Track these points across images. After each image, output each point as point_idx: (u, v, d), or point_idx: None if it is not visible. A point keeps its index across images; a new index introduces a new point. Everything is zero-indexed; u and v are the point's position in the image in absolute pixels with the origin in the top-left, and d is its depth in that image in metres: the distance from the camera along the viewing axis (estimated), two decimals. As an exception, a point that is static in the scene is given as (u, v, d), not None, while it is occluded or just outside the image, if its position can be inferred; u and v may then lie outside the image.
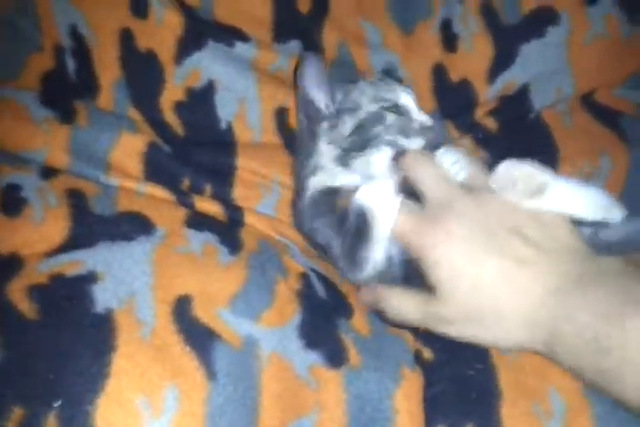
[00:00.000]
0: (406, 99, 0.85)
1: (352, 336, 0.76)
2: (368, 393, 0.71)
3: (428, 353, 0.79)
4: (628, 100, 1.08)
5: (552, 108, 1.07)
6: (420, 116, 0.84)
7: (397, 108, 0.83)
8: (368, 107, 0.84)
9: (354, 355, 0.73)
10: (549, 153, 0.99)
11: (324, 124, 0.87)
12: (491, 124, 1.07)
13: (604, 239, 0.75)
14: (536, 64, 1.09)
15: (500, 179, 0.74)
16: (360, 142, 0.83)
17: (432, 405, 0.73)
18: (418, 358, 0.79)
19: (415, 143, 0.82)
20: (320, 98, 0.87)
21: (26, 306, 0.65)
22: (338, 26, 1.11)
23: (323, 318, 0.77)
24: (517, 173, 0.73)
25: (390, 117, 0.83)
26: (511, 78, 1.09)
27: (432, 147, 0.82)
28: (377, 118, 0.83)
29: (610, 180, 0.97)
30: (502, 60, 1.09)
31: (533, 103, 1.08)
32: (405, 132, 0.83)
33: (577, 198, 0.74)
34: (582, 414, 0.69)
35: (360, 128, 0.84)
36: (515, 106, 1.08)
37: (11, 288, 0.67)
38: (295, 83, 0.86)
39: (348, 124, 0.85)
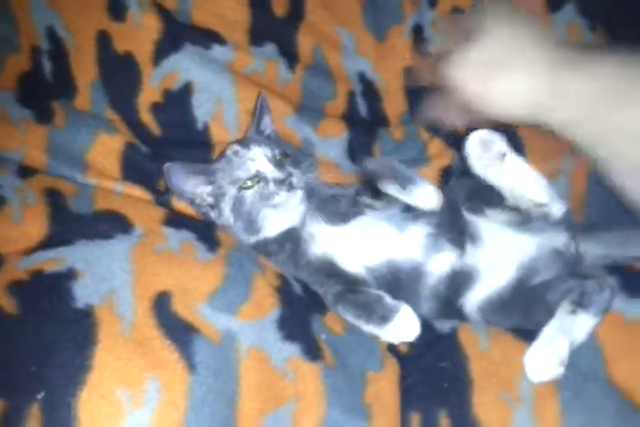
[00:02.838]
0: (258, 164, 0.87)
1: (325, 336, 0.78)
2: (343, 388, 0.73)
3: (403, 347, 0.82)
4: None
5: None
6: (275, 173, 0.86)
7: (254, 179, 0.86)
8: (230, 190, 0.87)
9: (328, 355, 0.75)
10: (520, 150, 1.02)
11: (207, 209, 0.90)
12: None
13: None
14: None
15: (474, 143, 0.79)
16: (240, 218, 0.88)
17: (407, 395, 0.76)
18: (393, 350, 0.81)
19: (281, 198, 0.86)
20: (193, 190, 0.88)
21: (6, 302, 0.66)
22: (313, 30, 1.14)
23: (299, 314, 0.79)
24: (488, 139, 0.79)
25: (248, 194, 0.86)
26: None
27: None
28: (240, 201, 0.87)
29: (573, 177, 1.00)
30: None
31: None
32: (266, 196, 0.86)
33: (529, 177, 0.80)
34: (550, 400, 0.72)
35: (234, 211, 0.87)
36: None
37: (-9, 285, 0.68)
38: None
39: (225, 211, 0.88)
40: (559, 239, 0.84)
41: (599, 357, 0.74)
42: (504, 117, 0.70)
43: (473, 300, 0.83)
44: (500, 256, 0.83)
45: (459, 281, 0.83)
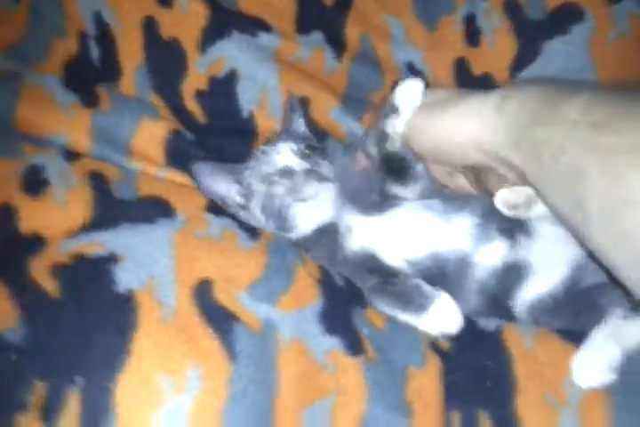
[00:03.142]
0: (284, 158, 0.86)
1: (367, 331, 0.75)
2: (386, 382, 0.71)
3: (445, 343, 0.79)
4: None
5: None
6: (302, 165, 0.84)
7: (282, 175, 0.84)
8: (259, 189, 0.85)
9: (370, 350, 0.73)
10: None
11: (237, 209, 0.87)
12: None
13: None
14: (559, 61, 1.08)
15: (500, 202, 0.75)
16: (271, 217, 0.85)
17: (448, 392, 0.73)
18: (435, 347, 0.78)
19: (310, 190, 0.83)
20: (223, 190, 0.86)
21: (49, 284, 0.65)
22: (361, 19, 1.12)
23: (341, 306, 0.77)
24: (511, 196, 0.75)
25: (277, 189, 0.84)
26: (534, 74, 1.09)
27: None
28: (270, 198, 0.84)
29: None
30: (525, 56, 1.09)
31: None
32: (295, 189, 0.83)
33: None
34: (599, 404, 0.68)
35: (264, 210, 0.85)
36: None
37: (34, 267, 0.67)
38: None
39: (256, 211, 0.86)
40: None
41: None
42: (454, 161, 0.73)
43: (524, 298, 0.79)
44: (554, 251, 0.78)
45: (510, 276, 0.79)
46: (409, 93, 0.75)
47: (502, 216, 0.78)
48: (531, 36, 1.09)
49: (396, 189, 0.83)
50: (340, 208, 0.85)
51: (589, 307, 0.75)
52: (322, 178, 0.83)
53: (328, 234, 0.84)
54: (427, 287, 0.76)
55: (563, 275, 0.78)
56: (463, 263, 0.79)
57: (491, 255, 0.79)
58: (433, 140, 0.73)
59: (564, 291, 0.77)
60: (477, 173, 0.77)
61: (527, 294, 0.79)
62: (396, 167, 0.80)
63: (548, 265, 0.78)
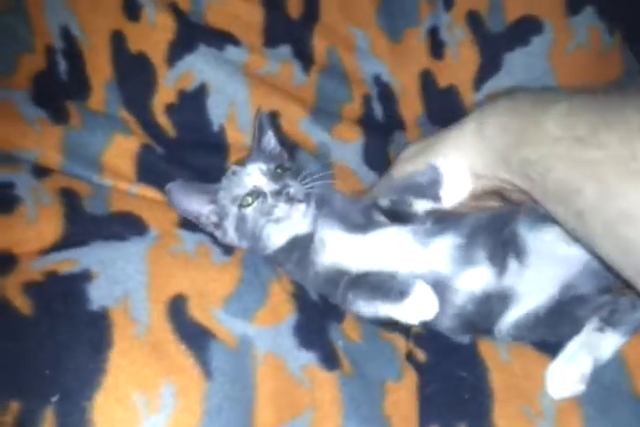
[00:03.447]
0: (254, 179, 0.86)
1: (343, 343, 0.76)
2: (362, 397, 0.72)
3: (420, 355, 0.81)
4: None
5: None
6: (271, 186, 0.85)
7: (253, 195, 0.85)
8: (232, 210, 0.86)
9: (346, 364, 0.74)
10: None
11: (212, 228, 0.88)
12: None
13: None
14: (520, 72, 1.12)
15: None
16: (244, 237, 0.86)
17: (426, 405, 0.75)
18: (411, 359, 0.80)
19: (281, 211, 0.83)
20: (197, 210, 0.87)
21: (21, 302, 0.65)
22: (328, 32, 1.13)
23: (316, 321, 0.78)
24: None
25: (249, 210, 0.85)
26: (497, 85, 1.12)
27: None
28: (242, 219, 0.85)
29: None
30: (488, 68, 1.13)
31: None
32: (266, 210, 0.84)
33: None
34: (572, 415, 0.71)
35: (238, 231, 0.86)
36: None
37: (5, 285, 0.67)
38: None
39: (229, 230, 0.86)
40: None
41: (623, 371, 0.73)
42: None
43: (504, 323, 0.80)
44: (544, 274, 0.79)
45: (492, 304, 0.79)
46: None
47: (494, 238, 0.79)
48: (493, 48, 1.12)
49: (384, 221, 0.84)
50: (315, 222, 0.86)
51: (568, 319, 0.77)
52: (291, 199, 0.83)
53: (300, 247, 0.85)
54: (402, 276, 0.76)
55: (549, 295, 0.79)
56: (441, 286, 0.78)
57: (472, 281, 0.79)
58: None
59: (547, 309, 0.79)
60: (499, 192, 0.75)
61: (508, 319, 0.80)
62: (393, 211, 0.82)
63: (535, 289, 0.79)
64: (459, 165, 0.69)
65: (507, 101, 0.65)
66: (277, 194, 0.84)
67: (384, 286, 0.76)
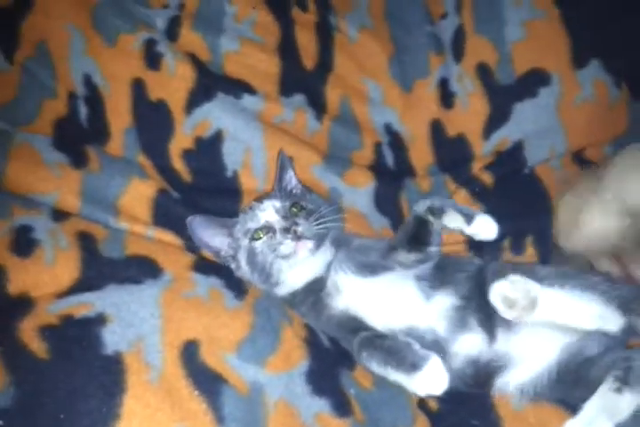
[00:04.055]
0: (267, 215, 0.88)
1: (355, 391, 0.76)
2: None
3: (432, 403, 0.80)
4: (617, 158, 1.13)
5: (545, 163, 1.12)
6: (281, 223, 0.86)
7: (264, 230, 0.87)
8: (244, 242, 0.88)
9: (358, 411, 0.74)
10: (543, 206, 1.03)
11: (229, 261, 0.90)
12: (487, 178, 1.11)
13: None
14: (529, 122, 1.14)
15: (497, 300, 0.76)
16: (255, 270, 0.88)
17: (438, 453, 0.74)
18: (423, 407, 0.79)
19: (287, 248, 0.85)
20: (215, 243, 0.90)
21: (36, 346, 0.65)
22: (341, 82, 1.17)
23: (328, 367, 0.78)
24: (510, 293, 0.76)
25: (258, 244, 0.87)
26: (505, 135, 1.15)
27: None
28: (252, 252, 0.87)
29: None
30: (497, 118, 1.15)
31: (527, 159, 1.13)
32: (273, 246, 0.85)
33: (569, 308, 0.76)
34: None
35: (249, 263, 0.88)
36: (509, 161, 1.13)
37: (22, 328, 0.68)
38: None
39: (242, 262, 0.88)
40: (615, 321, 0.77)
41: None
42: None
43: (505, 385, 0.79)
44: (540, 342, 0.79)
45: (488, 368, 0.79)
46: (488, 226, 0.84)
47: (482, 302, 0.79)
48: (501, 99, 1.15)
49: (402, 255, 0.85)
50: (332, 266, 0.86)
51: (582, 383, 0.75)
52: (299, 237, 0.85)
53: (315, 291, 0.86)
54: (418, 347, 0.76)
55: (551, 360, 0.78)
56: (439, 347, 0.78)
57: (467, 346, 0.79)
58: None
59: (553, 373, 0.78)
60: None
61: (509, 382, 0.79)
62: (416, 231, 0.85)
63: (534, 354, 0.79)
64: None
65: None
66: (286, 231, 0.85)
67: (399, 354, 0.75)
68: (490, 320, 0.79)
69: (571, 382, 0.76)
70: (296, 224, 0.85)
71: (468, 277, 0.83)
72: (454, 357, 0.79)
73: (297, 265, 0.86)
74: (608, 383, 0.71)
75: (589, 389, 0.72)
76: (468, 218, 0.83)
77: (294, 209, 0.89)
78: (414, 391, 0.74)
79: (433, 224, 0.84)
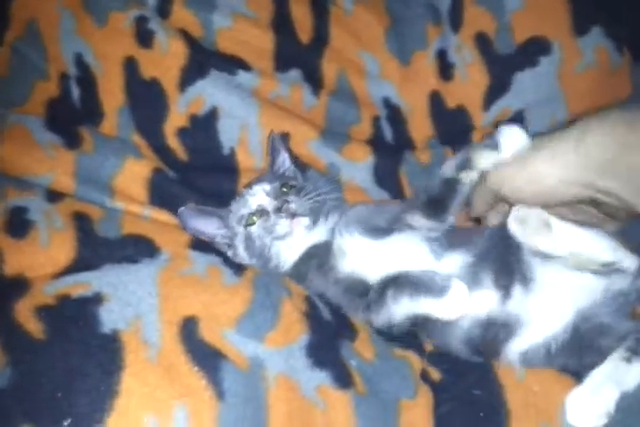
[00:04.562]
0: (258, 199, 0.88)
1: (356, 362, 0.76)
2: (376, 416, 0.71)
3: (435, 374, 0.80)
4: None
5: (547, 133, 1.09)
6: (272, 203, 0.86)
7: (257, 214, 0.87)
8: (239, 230, 0.88)
9: (359, 383, 0.73)
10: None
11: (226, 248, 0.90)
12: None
13: None
14: (530, 92, 1.12)
15: (512, 222, 0.77)
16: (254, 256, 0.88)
17: (441, 424, 0.73)
18: (426, 378, 0.79)
19: (283, 227, 0.85)
20: (209, 232, 0.89)
21: (33, 326, 0.65)
22: (337, 56, 1.15)
23: (328, 339, 0.77)
24: (524, 214, 0.77)
25: (254, 229, 0.87)
26: (506, 105, 1.13)
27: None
28: (249, 238, 0.87)
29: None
30: (497, 88, 1.13)
31: (528, 129, 1.10)
32: (269, 228, 0.85)
33: (585, 238, 0.76)
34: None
35: (247, 250, 0.88)
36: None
37: (18, 309, 0.67)
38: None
39: (240, 250, 0.89)
40: (627, 281, 0.77)
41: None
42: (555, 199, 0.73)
43: (514, 349, 0.78)
44: (555, 303, 0.77)
45: (497, 329, 0.78)
46: (515, 138, 0.75)
47: (501, 262, 0.79)
48: (501, 69, 1.13)
49: (415, 219, 0.83)
50: (333, 230, 0.86)
51: (591, 350, 0.74)
52: (292, 214, 0.84)
53: (318, 255, 0.85)
54: (438, 275, 0.76)
55: (564, 324, 0.77)
56: None
57: (478, 304, 0.78)
58: (525, 186, 0.73)
59: (563, 338, 0.76)
60: (594, 202, 0.75)
61: (518, 346, 0.78)
62: (442, 197, 0.80)
63: (547, 317, 0.77)
64: (558, 172, 0.70)
65: (614, 113, 0.66)
66: (279, 210, 0.84)
67: (426, 281, 0.75)
68: (507, 278, 0.78)
69: (580, 348, 0.75)
70: (287, 202, 0.85)
71: (482, 238, 0.82)
72: (463, 317, 0.77)
73: (295, 245, 0.86)
74: (618, 353, 0.71)
75: (599, 356, 0.72)
76: (494, 145, 0.75)
77: (284, 189, 0.89)
78: (444, 314, 0.74)
79: (464, 184, 0.78)
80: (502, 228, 0.81)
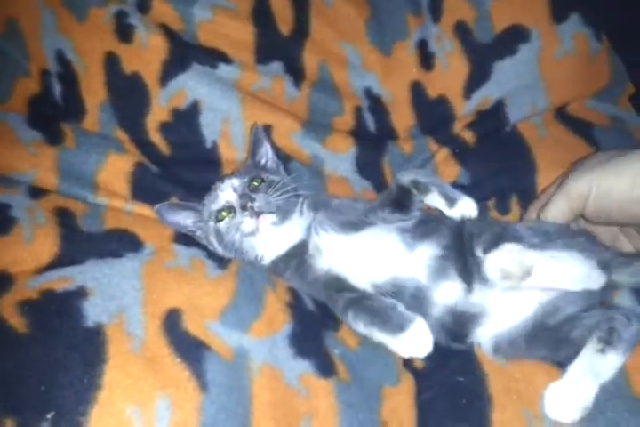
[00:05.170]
0: (226, 195, 0.87)
1: (339, 351, 0.77)
2: (358, 404, 0.72)
3: (417, 361, 0.81)
4: (600, 112, 1.12)
5: (527, 120, 1.10)
6: (238, 201, 0.86)
7: (226, 210, 0.86)
8: (210, 224, 0.87)
9: (342, 371, 0.74)
10: (526, 164, 1.02)
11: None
12: (469, 137, 1.10)
13: None
14: (510, 80, 1.12)
15: (493, 271, 0.77)
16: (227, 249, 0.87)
17: (424, 411, 0.75)
18: (408, 365, 0.80)
19: (248, 225, 0.84)
20: (185, 224, 0.89)
21: (16, 321, 0.66)
22: (318, 47, 1.15)
23: (311, 329, 0.78)
24: (507, 265, 0.76)
25: (222, 225, 0.86)
26: (487, 94, 1.13)
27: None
28: (218, 233, 0.86)
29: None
30: (477, 77, 1.13)
31: (509, 117, 1.12)
32: (235, 225, 0.85)
33: (559, 273, 0.76)
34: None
35: (220, 244, 0.87)
36: (491, 120, 1.12)
37: (1, 304, 0.68)
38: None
39: (214, 243, 0.88)
40: (596, 279, 0.76)
41: (622, 372, 0.71)
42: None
43: (483, 337, 0.80)
44: (517, 296, 0.78)
45: (464, 318, 0.80)
46: (469, 209, 0.83)
47: (463, 256, 0.80)
48: (481, 58, 1.13)
49: (386, 214, 0.86)
50: (308, 228, 0.87)
51: (563, 342, 0.75)
52: (257, 213, 0.84)
53: (297, 254, 0.86)
54: (403, 309, 0.77)
55: (526, 316, 0.78)
56: (421, 296, 0.80)
57: (446, 294, 0.80)
58: (619, 201, 0.75)
59: (529, 330, 0.77)
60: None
61: (485, 334, 0.80)
62: (400, 199, 0.86)
63: (507, 310, 0.79)
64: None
65: None
66: (244, 209, 0.84)
67: (384, 315, 0.77)
68: (467, 271, 0.80)
69: (553, 341, 0.76)
70: (252, 200, 0.84)
71: (450, 229, 0.83)
72: (435, 305, 0.79)
73: (265, 240, 0.86)
74: (592, 344, 0.71)
75: (574, 348, 0.73)
76: (451, 202, 0.82)
77: (255, 183, 0.89)
78: (398, 353, 0.75)
79: (416, 196, 0.84)
80: (461, 224, 0.83)
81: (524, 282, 0.75)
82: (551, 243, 0.79)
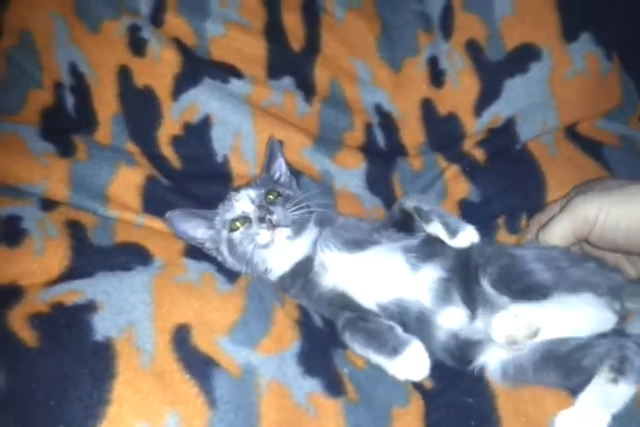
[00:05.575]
0: (242, 205, 0.87)
1: (348, 370, 0.76)
2: (367, 425, 0.71)
3: (427, 382, 0.80)
4: (609, 131, 1.12)
5: (538, 139, 1.10)
6: (256, 212, 0.85)
7: (241, 220, 0.86)
8: (223, 233, 0.87)
9: (351, 390, 0.74)
10: (536, 182, 1.02)
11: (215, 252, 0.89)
12: (479, 154, 1.10)
13: None
14: (521, 98, 1.13)
15: (499, 335, 0.75)
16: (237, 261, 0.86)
17: (433, 432, 0.74)
18: (417, 386, 0.79)
19: (263, 237, 0.83)
20: (196, 235, 0.88)
21: (26, 334, 0.65)
22: (329, 63, 1.15)
23: (320, 347, 0.78)
24: (513, 331, 0.75)
25: (236, 235, 0.86)
26: (497, 112, 1.13)
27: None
28: (231, 243, 0.86)
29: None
30: (488, 95, 1.14)
31: (520, 135, 1.12)
32: (250, 236, 0.84)
33: (569, 326, 0.76)
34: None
35: (231, 254, 0.87)
36: (501, 138, 1.12)
37: (11, 317, 0.67)
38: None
39: (225, 254, 0.87)
40: (608, 322, 0.76)
41: (635, 398, 0.70)
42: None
43: (489, 362, 0.79)
44: None
45: (468, 343, 0.79)
46: (470, 236, 0.82)
47: (467, 279, 0.80)
48: (492, 76, 1.14)
49: (390, 232, 0.86)
50: (314, 245, 0.86)
51: (574, 370, 0.74)
52: (274, 226, 0.83)
53: (303, 272, 0.86)
54: (400, 331, 0.76)
55: (533, 345, 0.76)
56: (425, 319, 0.79)
57: (451, 319, 0.79)
58: (628, 230, 0.74)
59: (537, 359, 0.76)
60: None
61: (490, 359, 0.79)
62: (403, 221, 0.86)
63: None
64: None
65: None
66: (261, 220, 0.84)
67: (381, 337, 0.76)
68: (471, 298, 0.79)
69: (563, 369, 0.74)
70: (270, 213, 0.84)
71: (455, 251, 0.83)
72: (439, 329, 0.79)
73: (278, 253, 0.85)
74: (604, 373, 0.70)
75: (585, 376, 0.71)
76: (452, 233, 0.82)
77: (271, 196, 0.88)
78: (394, 375, 0.74)
79: (417, 221, 0.85)
80: (466, 251, 0.82)
81: (531, 341, 0.75)
82: (563, 278, 0.77)
